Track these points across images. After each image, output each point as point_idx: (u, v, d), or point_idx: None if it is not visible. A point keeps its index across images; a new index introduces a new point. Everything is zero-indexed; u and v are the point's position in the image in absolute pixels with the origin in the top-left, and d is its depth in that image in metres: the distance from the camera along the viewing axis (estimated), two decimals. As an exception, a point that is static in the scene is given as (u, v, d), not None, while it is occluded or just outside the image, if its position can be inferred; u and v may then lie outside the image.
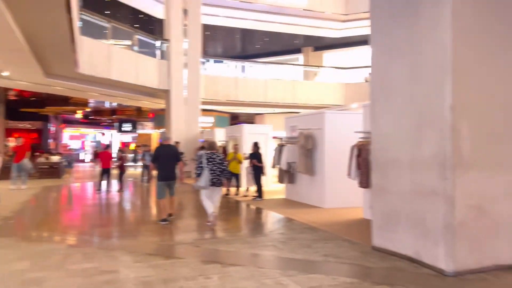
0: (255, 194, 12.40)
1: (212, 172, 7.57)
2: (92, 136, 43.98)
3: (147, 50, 21.11)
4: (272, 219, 9.20)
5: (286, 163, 11.40)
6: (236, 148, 13.07)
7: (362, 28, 29.20)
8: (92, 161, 32.63)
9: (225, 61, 27.76)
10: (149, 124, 32.91)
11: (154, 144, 28.80)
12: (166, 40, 21.01)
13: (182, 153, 11.23)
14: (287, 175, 11.72)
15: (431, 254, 4.91)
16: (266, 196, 12.00)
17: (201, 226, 7.98)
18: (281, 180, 11.97)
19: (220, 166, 7.68)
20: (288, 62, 30.71)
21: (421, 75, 5.13)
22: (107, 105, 32.82)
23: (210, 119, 28.81)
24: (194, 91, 21.33)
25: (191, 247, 6.29)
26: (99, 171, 13.92)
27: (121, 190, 14.26)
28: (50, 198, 13.04)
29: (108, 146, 15.38)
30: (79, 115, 35.41)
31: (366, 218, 8.64)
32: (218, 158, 7.79)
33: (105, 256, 5.71)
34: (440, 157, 4.78)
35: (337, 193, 10.24)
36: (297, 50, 34.99)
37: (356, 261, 5.41)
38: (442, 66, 4.81)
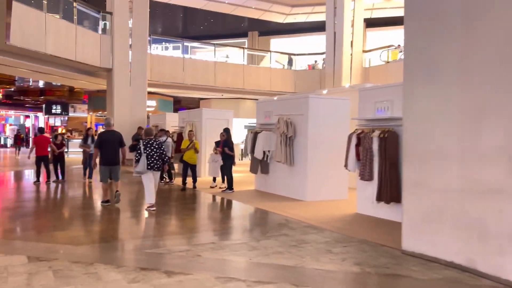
0: (222, 185, 11.37)
1: (150, 157, 7.93)
2: (14, 118, 39.55)
3: (88, 24, 18.82)
4: (258, 215, 8.22)
5: (261, 152, 10.43)
6: (191, 134, 11.80)
7: (312, 14, 28.92)
8: (13, 146, 29.17)
9: (171, 40, 25.82)
10: (83, 107, 30.04)
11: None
12: (109, 13, 18.87)
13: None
14: (260, 165, 10.78)
15: (493, 263, 4.25)
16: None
17: (201, 226, 6.79)
18: (253, 170, 10.99)
19: (157, 151, 8.03)
20: (240, 46, 29.44)
21: (481, 55, 4.40)
22: (35, 84, 29.35)
23: (153, 103, 26.89)
24: (140, 72, 19.48)
25: (190, 256, 5.13)
26: (35, 159, 11.96)
27: (61, 180, 12.44)
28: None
29: (43, 130, 13.27)
30: (-1, 94, 31.44)
31: (360, 213, 8.00)
32: (156, 143, 8.10)
33: (85, 273, 4.39)
34: (510, 150, 4.10)
35: (320, 185, 9.53)
36: (243, 34, 33.90)
37: (397, 270, 4.63)
38: None
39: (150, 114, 21.04)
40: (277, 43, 33.15)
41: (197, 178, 11.62)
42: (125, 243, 5.94)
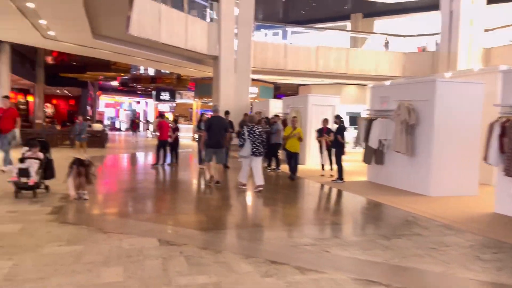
0: (331, 174, 10.92)
1: (253, 143, 8.39)
2: (127, 104, 43.05)
3: (196, 12, 19.42)
4: (377, 209, 7.64)
5: (377, 141, 9.74)
6: (294, 121, 11.07)
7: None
8: (130, 130, 31.71)
9: (273, 26, 25.69)
10: (189, 93, 31.47)
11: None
12: (216, 0, 19.24)
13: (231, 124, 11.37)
14: (375, 155, 10.09)
15: None
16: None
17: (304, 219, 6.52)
18: (367, 160, 10.34)
19: (259, 138, 8.46)
20: (344, 29, 28.31)
21: None
22: (146, 72, 31.52)
23: (255, 89, 27.11)
24: (244, 59, 19.64)
25: (317, 251, 4.82)
26: (158, 143, 12.64)
27: (175, 163, 13.00)
28: (108, 173, 11.86)
29: (163, 115, 14.03)
30: (115, 82, 34.31)
31: (499, 213, 7.00)
32: (258, 130, 8.54)
33: (215, 261, 4.31)
34: None
35: (445, 179, 8.59)
36: (345, 17, 32.51)
37: None
38: None
39: (253, 101, 21.24)
40: (382, 24, 31.24)
41: (302, 166, 11.22)
42: (247, 231, 5.82)
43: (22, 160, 7.35)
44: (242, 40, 19.45)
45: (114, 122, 40.43)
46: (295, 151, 10.70)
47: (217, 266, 4.21)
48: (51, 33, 14.29)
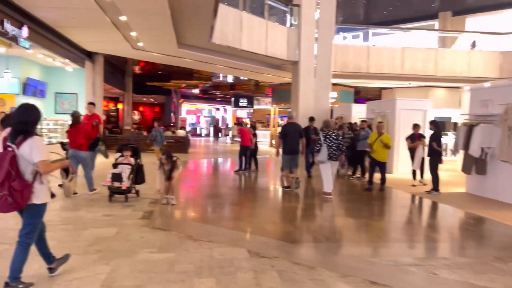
0: (425, 184, 10.09)
1: (329, 147, 8.35)
2: (207, 111, 44.44)
3: (276, 18, 19.39)
4: (482, 225, 6.84)
5: (478, 149, 8.80)
6: (380, 127, 10.06)
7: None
8: (212, 135, 32.54)
9: (353, 28, 24.92)
10: (266, 100, 31.62)
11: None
12: (297, 5, 19.03)
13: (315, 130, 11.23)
14: (476, 164, 9.13)
15: None
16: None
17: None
18: (467, 170, 9.40)
19: (335, 142, 8.37)
20: (433, 29, 26.66)
21: None
22: (225, 80, 32.32)
23: (334, 94, 26.43)
24: (325, 63, 19.12)
25: (423, 273, 4.32)
26: (240, 149, 12.75)
27: (256, 169, 12.94)
28: (193, 178, 12.15)
29: (242, 123, 14.14)
30: (196, 90, 35.56)
31: None
32: (334, 134, 8.48)
33: (311, 279, 4.01)
34: None
35: None
36: (432, 16, 30.57)
37: None
38: None
39: (332, 105, 20.66)
40: (474, 22, 28.88)
41: (390, 175, 10.50)
42: (338, 245, 5.45)
43: (115, 165, 7.67)
44: (322, 44, 18.99)
45: (195, 128, 41.94)
46: (382, 160, 9.75)
47: (313, 284, 3.92)
48: (140, 44, 15.03)
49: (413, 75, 21.35)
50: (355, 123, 13.60)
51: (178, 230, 5.80)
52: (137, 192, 7.93)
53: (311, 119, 12.06)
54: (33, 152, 3.48)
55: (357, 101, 28.39)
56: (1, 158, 3.44)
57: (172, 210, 7.09)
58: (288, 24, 19.25)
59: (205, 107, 44.31)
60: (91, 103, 9.58)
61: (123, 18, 11.43)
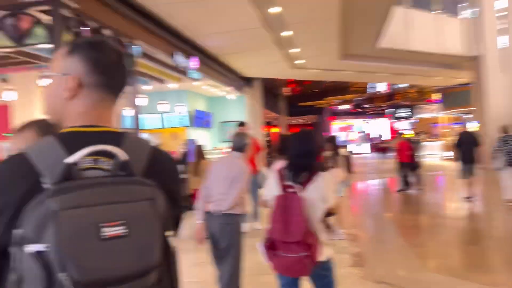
0: None
1: (507, 153, 7.95)
2: (358, 126, 42.17)
3: (448, 10, 16.84)
4: None
5: None
6: None
7: None
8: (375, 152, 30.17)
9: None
10: (432, 107, 28.12)
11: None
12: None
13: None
14: None
15: None
16: None
17: None
18: None
19: None
20: None
21: None
22: (383, 90, 29.98)
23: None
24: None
25: None
26: (398, 165, 10.99)
27: (421, 187, 10.95)
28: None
29: (401, 135, 12.31)
30: (347, 105, 33.95)
31: None
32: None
33: None
34: None
35: None
36: None
37: None
38: None
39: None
40: None
41: None
42: None
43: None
44: None
45: (346, 146, 40.11)
46: None
47: None
48: (299, 61, 14.24)
49: None
50: None
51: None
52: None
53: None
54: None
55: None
56: (288, 204, 2.47)
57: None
58: (462, 15, 16.53)
59: (356, 122, 42.15)
60: (242, 124, 7.77)
61: (286, 33, 10.67)
